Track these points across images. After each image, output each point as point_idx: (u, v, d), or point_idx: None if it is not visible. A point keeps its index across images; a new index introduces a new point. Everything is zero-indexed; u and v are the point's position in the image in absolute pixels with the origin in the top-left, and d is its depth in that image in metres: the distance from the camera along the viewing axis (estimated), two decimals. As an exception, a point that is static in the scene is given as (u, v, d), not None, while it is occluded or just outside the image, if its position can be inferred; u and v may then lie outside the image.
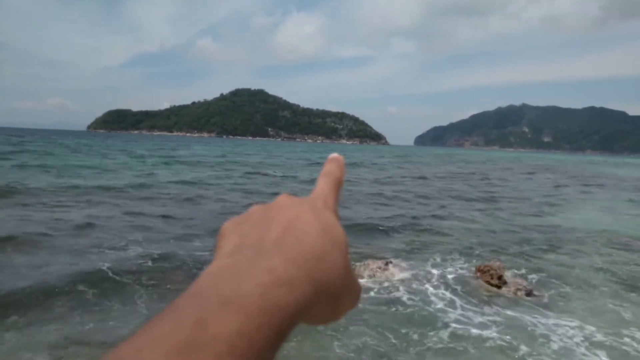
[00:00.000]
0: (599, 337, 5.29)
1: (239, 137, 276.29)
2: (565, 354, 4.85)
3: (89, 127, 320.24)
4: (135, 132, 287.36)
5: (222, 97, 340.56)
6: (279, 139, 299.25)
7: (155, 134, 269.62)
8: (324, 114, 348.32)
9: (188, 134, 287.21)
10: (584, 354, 4.87)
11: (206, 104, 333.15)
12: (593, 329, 5.53)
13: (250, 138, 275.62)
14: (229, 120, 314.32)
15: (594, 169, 50.77)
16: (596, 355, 4.90)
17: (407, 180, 26.16)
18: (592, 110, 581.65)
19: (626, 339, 5.29)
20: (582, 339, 5.25)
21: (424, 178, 27.91)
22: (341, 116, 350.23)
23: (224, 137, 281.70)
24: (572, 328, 5.51)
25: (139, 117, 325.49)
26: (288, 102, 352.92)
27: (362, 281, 6.99)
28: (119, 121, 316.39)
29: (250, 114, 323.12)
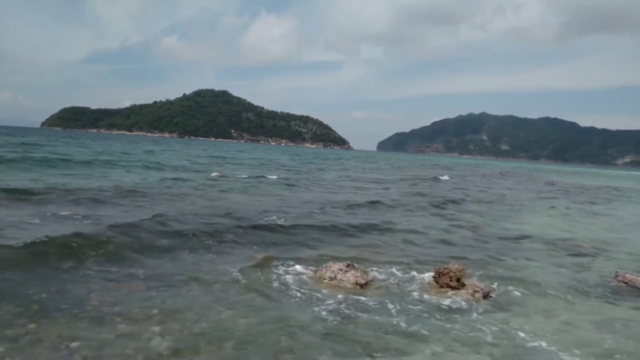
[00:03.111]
0: (549, 337, 5.45)
1: (201, 138, 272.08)
2: (515, 353, 4.97)
3: (43, 123, 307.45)
4: (94, 130, 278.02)
5: (185, 97, 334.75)
6: (242, 141, 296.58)
7: (114, 133, 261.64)
8: (288, 117, 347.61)
9: (149, 134, 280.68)
10: (533, 353, 5.01)
11: (168, 104, 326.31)
12: (544, 329, 5.71)
13: (212, 139, 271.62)
14: (192, 121, 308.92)
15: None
16: (547, 348, 5.09)
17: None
18: (547, 121, 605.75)
19: (573, 338, 5.49)
20: (532, 338, 5.41)
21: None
22: (305, 120, 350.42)
23: (186, 137, 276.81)
24: (525, 329, 5.68)
25: (98, 115, 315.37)
26: (252, 104, 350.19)
27: (322, 282, 6.95)
28: (75, 119, 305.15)
29: (213, 115, 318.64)
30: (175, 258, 7.68)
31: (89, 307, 5.32)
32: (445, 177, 38.37)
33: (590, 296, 7.31)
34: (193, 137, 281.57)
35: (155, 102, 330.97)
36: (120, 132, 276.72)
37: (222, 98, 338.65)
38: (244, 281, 6.74)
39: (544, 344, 5.21)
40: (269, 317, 5.44)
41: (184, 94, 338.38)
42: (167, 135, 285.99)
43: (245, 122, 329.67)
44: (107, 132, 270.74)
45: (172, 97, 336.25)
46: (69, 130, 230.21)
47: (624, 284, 7.96)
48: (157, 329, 4.87)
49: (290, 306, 5.90)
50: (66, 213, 10.35)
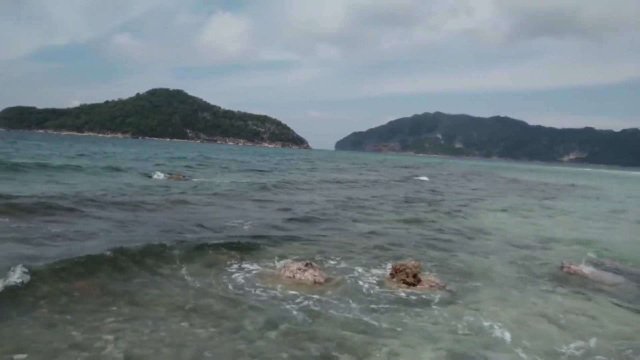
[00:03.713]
0: (503, 326, 5.68)
1: (156, 139, 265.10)
2: (471, 343, 5.15)
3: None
4: (41, 131, 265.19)
5: (139, 97, 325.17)
6: (199, 141, 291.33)
7: (63, 133, 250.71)
8: (245, 117, 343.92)
9: (100, 135, 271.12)
10: (488, 343, 5.21)
11: (121, 104, 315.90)
12: (498, 319, 5.94)
13: (168, 140, 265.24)
14: (146, 121, 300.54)
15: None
16: (502, 337, 5.33)
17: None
18: (497, 120, 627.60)
19: (525, 327, 5.75)
20: (487, 328, 5.62)
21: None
22: (263, 119, 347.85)
23: (140, 138, 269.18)
24: (479, 320, 5.89)
25: (45, 115, 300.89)
26: (208, 104, 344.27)
27: (281, 282, 6.95)
28: (21, 119, 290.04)
29: (168, 115, 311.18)
30: (132, 264, 7.45)
31: (37, 315, 5.10)
32: (423, 178, 38.23)
33: (539, 286, 7.69)
34: (147, 138, 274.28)
35: (107, 102, 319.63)
36: (70, 132, 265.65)
37: (177, 97, 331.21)
38: (201, 285, 6.64)
39: (498, 333, 5.44)
40: (227, 322, 5.38)
41: (138, 94, 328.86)
42: (120, 135, 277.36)
43: (201, 121, 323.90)
44: (55, 132, 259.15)
45: (124, 97, 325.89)
46: (14, 131, 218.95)
47: (569, 274, 8.48)
48: (110, 337, 4.72)
49: (248, 309, 5.85)
50: (6, 220, 9.81)
